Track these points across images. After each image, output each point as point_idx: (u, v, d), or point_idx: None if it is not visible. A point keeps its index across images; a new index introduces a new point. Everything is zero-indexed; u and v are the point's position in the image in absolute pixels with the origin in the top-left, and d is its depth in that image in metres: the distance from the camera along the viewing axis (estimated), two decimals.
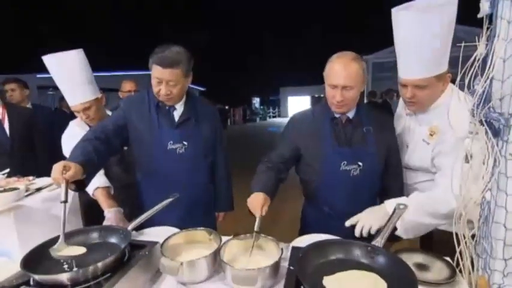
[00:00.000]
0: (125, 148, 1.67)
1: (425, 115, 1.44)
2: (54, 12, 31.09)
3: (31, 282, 0.92)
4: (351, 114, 1.44)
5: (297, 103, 27.60)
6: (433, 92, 1.35)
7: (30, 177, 1.71)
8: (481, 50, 0.85)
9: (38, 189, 1.57)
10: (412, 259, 1.10)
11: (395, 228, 1.17)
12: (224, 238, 1.16)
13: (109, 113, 1.93)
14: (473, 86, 0.86)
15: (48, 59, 1.69)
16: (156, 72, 1.44)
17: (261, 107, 31.35)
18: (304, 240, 1.24)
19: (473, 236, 0.97)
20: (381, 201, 1.35)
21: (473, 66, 0.85)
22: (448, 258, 1.10)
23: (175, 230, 1.38)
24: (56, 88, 1.84)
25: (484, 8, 0.82)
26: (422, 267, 1.08)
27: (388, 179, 1.47)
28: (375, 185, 1.45)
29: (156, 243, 1.16)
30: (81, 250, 1.05)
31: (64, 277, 0.90)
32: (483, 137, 0.86)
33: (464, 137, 1.03)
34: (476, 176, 0.90)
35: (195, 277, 1.05)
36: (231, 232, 1.27)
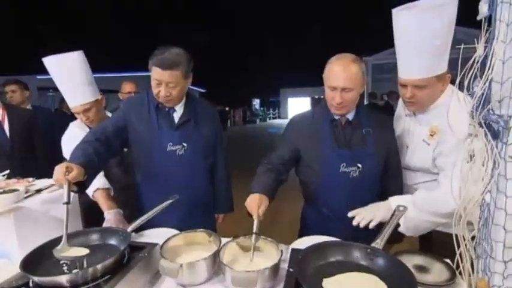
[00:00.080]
0: (125, 150, 1.67)
1: (425, 115, 1.44)
2: (54, 12, 31.11)
3: (30, 284, 0.92)
4: (350, 116, 1.44)
5: (297, 104, 27.59)
6: (432, 92, 1.35)
7: (30, 179, 1.71)
8: (480, 52, 0.85)
9: (38, 191, 1.57)
10: (411, 261, 1.10)
11: (397, 225, 1.17)
12: (224, 240, 1.16)
13: (109, 114, 1.93)
14: (472, 88, 0.86)
15: (49, 61, 1.70)
16: (156, 74, 1.44)
17: (261, 108, 31.36)
18: (304, 242, 1.24)
19: (473, 238, 0.97)
20: None
21: (473, 68, 0.85)
22: (448, 260, 1.10)
23: (175, 231, 1.38)
24: (56, 89, 1.84)
25: (483, 10, 0.82)
26: (422, 269, 1.08)
27: (388, 180, 1.47)
28: (375, 186, 1.45)
29: (155, 244, 1.16)
30: (84, 251, 1.06)
31: (63, 279, 0.90)
32: (482, 139, 0.86)
33: (463, 139, 1.03)
34: (477, 177, 0.90)
35: (194, 279, 1.05)
36: (230, 234, 1.27)
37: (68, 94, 1.76)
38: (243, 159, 5.27)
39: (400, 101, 1.60)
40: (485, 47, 0.84)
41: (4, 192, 1.43)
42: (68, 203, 1.09)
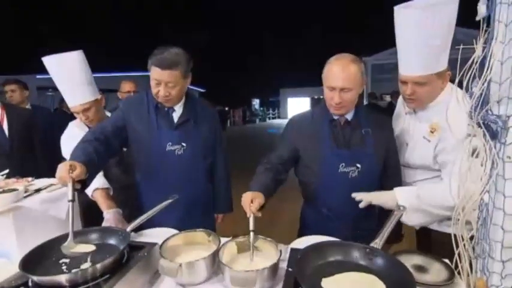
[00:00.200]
0: (124, 149, 1.67)
1: (424, 112, 1.44)
2: (54, 12, 31.10)
3: (30, 284, 0.92)
4: (349, 116, 1.44)
5: (297, 104, 27.56)
6: (432, 89, 1.36)
7: (29, 178, 1.70)
8: (478, 52, 0.85)
9: (37, 190, 1.56)
10: (410, 261, 1.10)
11: (397, 225, 1.17)
12: (223, 239, 1.16)
13: (108, 114, 1.93)
14: (471, 88, 0.86)
15: (48, 60, 1.69)
16: (155, 73, 1.45)
17: (261, 108, 31.37)
18: (303, 242, 1.25)
19: (471, 238, 0.97)
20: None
21: (471, 69, 0.85)
22: (446, 260, 1.10)
23: (174, 231, 1.38)
24: (55, 89, 1.84)
25: (481, 10, 0.82)
26: (420, 269, 1.09)
27: (387, 180, 1.47)
28: (374, 186, 1.45)
29: (155, 244, 1.16)
30: (90, 248, 1.08)
31: (63, 278, 0.90)
32: (481, 139, 0.86)
33: (462, 139, 1.03)
34: (476, 176, 0.90)
35: (193, 279, 1.05)
36: (230, 233, 1.27)
37: (68, 94, 1.76)
38: (243, 159, 5.27)
39: (400, 99, 1.61)
40: (484, 48, 0.84)
41: (3, 191, 1.42)
42: (72, 200, 1.11)
